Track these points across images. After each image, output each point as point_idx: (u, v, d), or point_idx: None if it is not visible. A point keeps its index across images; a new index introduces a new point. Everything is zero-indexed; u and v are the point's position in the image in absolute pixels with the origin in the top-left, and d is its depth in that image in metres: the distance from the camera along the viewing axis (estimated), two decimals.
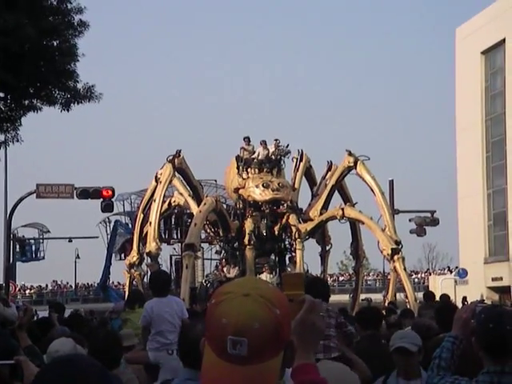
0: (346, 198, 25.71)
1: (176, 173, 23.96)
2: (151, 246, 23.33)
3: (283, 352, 1.90)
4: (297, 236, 24.49)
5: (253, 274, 22.35)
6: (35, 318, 15.32)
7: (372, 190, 24.26)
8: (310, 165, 26.49)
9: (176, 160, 23.80)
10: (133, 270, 25.16)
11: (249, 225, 24.52)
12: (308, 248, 26.01)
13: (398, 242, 23.65)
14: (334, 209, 24.54)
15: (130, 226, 33.04)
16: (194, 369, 4.83)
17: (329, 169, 25.72)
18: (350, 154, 24.54)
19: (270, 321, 1.84)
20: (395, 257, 22.98)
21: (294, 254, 25.78)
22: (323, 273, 27.86)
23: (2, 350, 3.57)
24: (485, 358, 3.94)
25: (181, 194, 24.94)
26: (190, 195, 24.61)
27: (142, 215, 25.30)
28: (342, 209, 24.04)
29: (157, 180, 24.06)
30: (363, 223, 24.42)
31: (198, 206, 23.60)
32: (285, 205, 24.57)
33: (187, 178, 24.60)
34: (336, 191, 25.73)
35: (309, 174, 26.53)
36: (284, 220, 24.73)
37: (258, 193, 24.46)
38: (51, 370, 2.11)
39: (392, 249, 22.82)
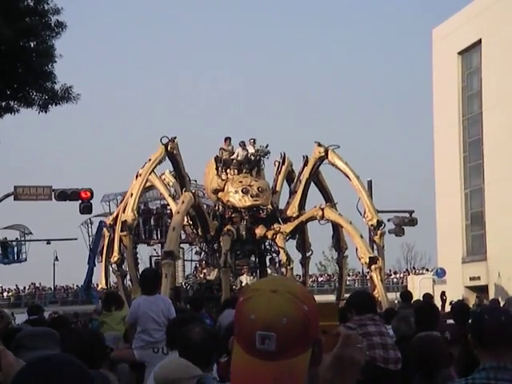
0: (327, 197, 25.68)
1: (167, 158, 23.34)
2: (128, 215, 22.87)
3: (311, 349, 1.91)
4: (286, 261, 24.26)
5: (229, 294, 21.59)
6: (12, 322, 15.20)
7: (347, 176, 24.24)
8: (292, 168, 26.42)
9: (170, 144, 23.21)
10: (114, 270, 24.87)
11: (225, 243, 23.80)
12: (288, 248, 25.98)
13: (379, 222, 23.75)
14: (314, 209, 24.46)
15: None
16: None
17: (305, 164, 25.77)
18: (319, 144, 24.56)
19: (297, 316, 1.87)
20: (372, 266, 22.85)
21: (274, 255, 25.72)
22: (304, 276, 27.84)
23: None
24: (481, 354, 3.95)
25: (161, 193, 24.59)
26: (170, 195, 24.34)
27: (122, 214, 25.00)
28: (322, 209, 23.97)
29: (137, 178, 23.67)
30: (342, 227, 24.38)
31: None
32: (264, 211, 24.48)
33: (177, 165, 23.92)
34: (317, 189, 25.74)
35: (290, 177, 26.49)
36: (270, 235, 24.51)
37: (237, 198, 24.22)
38: (29, 369, 2.10)
39: (370, 258, 22.76)
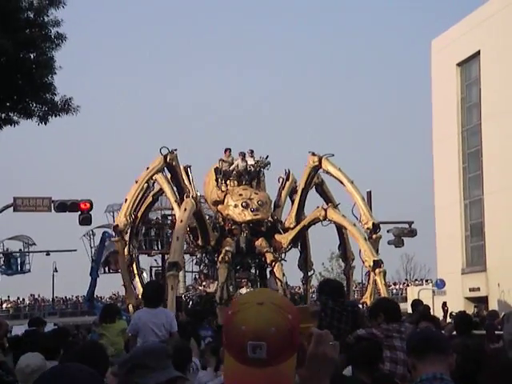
0: (328, 200, 25.51)
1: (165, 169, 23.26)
2: (120, 219, 22.75)
3: (296, 353, 2.07)
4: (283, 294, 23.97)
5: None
6: (9, 333, 15.15)
7: (341, 181, 24.18)
8: (296, 185, 26.34)
9: (169, 155, 23.01)
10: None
11: (222, 272, 23.35)
12: (289, 258, 25.93)
13: (375, 225, 23.58)
14: (316, 210, 24.16)
15: None
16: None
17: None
18: (313, 154, 24.55)
19: (284, 325, 2.03)
20: (377, 270, 22.58)
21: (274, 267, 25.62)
22: (306, 291, 27.74)
23: None
24: (417, 368, 4.14)
25: (168, 198, 24.45)
26: (176, 201, 23.95)
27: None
28: (325, 209, 23.74)
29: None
30: (346, 229, 24.16)
31: None
32: (264, 224, 24.40)
33: (176, 177, 23.63)
34: (314, 201, 25.71)
35: (293, 193, 26.42)
36: (269, 260, 24.28)
37: (236, 213, 24.02)
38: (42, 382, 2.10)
39: (374, 261, 22.50)
